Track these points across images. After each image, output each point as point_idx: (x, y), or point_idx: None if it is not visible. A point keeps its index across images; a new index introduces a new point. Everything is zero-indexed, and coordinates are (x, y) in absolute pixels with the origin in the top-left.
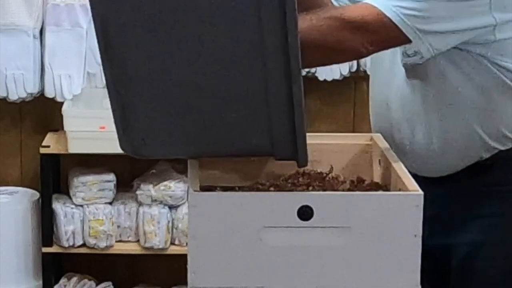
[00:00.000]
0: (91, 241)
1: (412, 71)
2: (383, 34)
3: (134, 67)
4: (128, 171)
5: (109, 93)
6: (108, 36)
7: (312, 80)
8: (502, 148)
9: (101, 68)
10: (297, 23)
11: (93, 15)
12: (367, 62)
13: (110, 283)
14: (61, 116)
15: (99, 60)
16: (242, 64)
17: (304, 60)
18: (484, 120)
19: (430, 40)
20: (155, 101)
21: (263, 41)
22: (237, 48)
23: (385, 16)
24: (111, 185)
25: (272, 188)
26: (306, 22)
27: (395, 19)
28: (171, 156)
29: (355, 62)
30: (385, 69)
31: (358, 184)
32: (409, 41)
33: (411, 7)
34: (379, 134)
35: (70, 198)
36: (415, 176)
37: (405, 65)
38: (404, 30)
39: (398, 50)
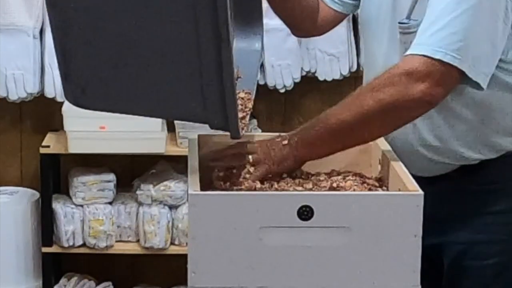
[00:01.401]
0: (91, 241)
1: None
2: (439, 75)
3: (73, 13)
4: (128, 171)
5: (53, 38)
6: None
7: (312, 80)
8: (498, 155)
9: None
10: None
11: None
12: None
13: (110, 283)
14: (61, 116)
15: None
16: (176, 23)
17: (377, 129)
18: (482, 126)
19: (482, 68)
20: (93, 52)
21: (194, 1)
22: (170, 6)
23: (433, 59)
24: (111, 185)
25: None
26: (368, 95)
27: (445, 58)
28: (109, 111)
29: (355, 62)
30: (379, 70)
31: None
32: (466, 75)
33: (454, 40)
34: None
35: (70, 198)
36: (413, 176)
37: None
38: (458, 66)
39: (392, 54)
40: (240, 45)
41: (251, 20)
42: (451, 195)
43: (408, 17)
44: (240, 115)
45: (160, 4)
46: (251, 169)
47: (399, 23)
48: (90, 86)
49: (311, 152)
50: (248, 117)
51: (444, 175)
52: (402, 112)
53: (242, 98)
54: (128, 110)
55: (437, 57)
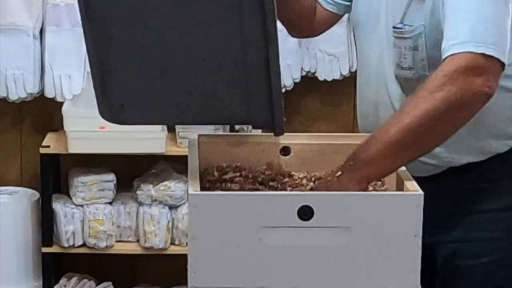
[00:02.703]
0: (91, 241)
1: (405, 81)
2: (489, 68)
3: (113, 28)
4: (128, 171)
5: (88, 56)
6: None
7: (312, 80)
8: (486, 157)
9: None
10: None
11: None
12: None
13: (110, 283)
14: (61, 116)
15: None
16: (219, 27)
17: (443, 130)
18: (473, 130)
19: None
20: (133, 65)
21: (239, 4)
22: (214, 10)
23: (478, 54)
24: (111, 185)
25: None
26: (428, 97)
27: (488, 52)
28: (150, 123)
29: (355, 62)
30: (372, 72)
31: None
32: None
33: (490, 34)
34: None
35: (70, 198)
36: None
37: (396, 76)
38: (500, 58)
39: (385, 55)
40: None
41: None
42: (443, 194)
43: (402, 21)
44: None
45: (202, 9)
46: (244, 173)
47: (394, 27)
48: (129, 101)
49: (373, 170)
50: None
51: (435, 175)
52: (467, 109)
53: None
54: (168, 120)
55: (480, 51)
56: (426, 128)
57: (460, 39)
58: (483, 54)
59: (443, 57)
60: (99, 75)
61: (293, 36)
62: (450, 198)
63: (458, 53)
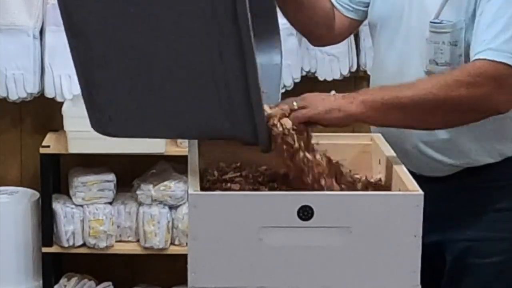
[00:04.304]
0: (91, 241)
1: None
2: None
3: (95, 43)
4: (128, 171)
5: (75, 69)
6: (71, 13)
7: (312, 80)
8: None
9: None
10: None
11: None
12: (367, 62)
13: (110, 283)
14: (61, 116)
15: None
16: (198, 43)
17: (447, 119)
18: (497, 133)
19: None
20: (117, 79)
21: (217, 23)
22: (192, 28)
23: (499, 63)
24: (111, 185)
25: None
26: (444, 85)
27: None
28: (139, 136)
29: (355, 62)
30: (392, 70)
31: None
32: None
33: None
34: (379, 134)
35: (70, 198)
36: (414, 174)
37: (428, 72)
38: None
39: (410, 53)
40: (259, 60)
41: (268, 34)
42: (455, 193)
43: (437, 17)
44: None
45: (181, 23)
46: (244, 173)
47: (431, 22)
48: (117, 113)
49: (367, 114)
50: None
51: (449, 174)
52: (479, 114)
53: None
54: (157, 134)
55: (502, 60)
56: (436, 108)
57: (496, 45)
58: (495, 62)
59: (476, 55)
60: (86, 88)
61: (314, 45)
62: (462, 196)
63: (493, 60)
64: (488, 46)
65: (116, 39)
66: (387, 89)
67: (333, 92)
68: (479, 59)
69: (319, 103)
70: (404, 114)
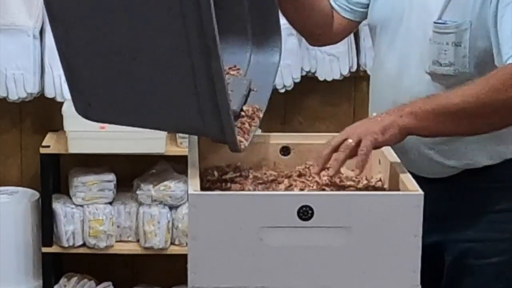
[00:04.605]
0: (91, 241)
1: (442, 78)
2: None
3: (72, 29)
4: (128, 171)
5: (58, 53)
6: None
7: (312, 80)
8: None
9: None
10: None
11: None
12: (367, 62)
13: (110, 283)
14: (61, 116)
15: None
16: (167, 38)
17: (487, 124)
18: (499, 135)
19: None
20: (95, 65)
21: (183, 14)
22: (159, 22)
23: None
24: (111, 185)
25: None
26: (477, 86)
27: None
28: (117, 123)
29: (355, 62)
30: (393, 71)
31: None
32: None
33: None
34: None
35: (70, 198)
36: (414, 175)
37: (431, 73)
38: None
39: (411, 54)
40: (257, 58)
41: (269, 33)
42: (456, 193)
43: (440, 17)
44: (245, 129)
45: (151, 16)
46: (244, 173)
47: (435, 22)
48: (95, 99)
49: (419, 125)
50: (253, 133)
51: (450, 175)
52: None
53: (248, 116)
54: (134, 123)
55: None
56: (484, 112)
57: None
58: None
59: (509, 60)
60: (67, 73)
61: (312, 45)
62: (463, 198)
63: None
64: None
65: (92, 26)
66: (434, 98)
67: (374, 114)
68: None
69: (370, 128)
70: (455, 122)
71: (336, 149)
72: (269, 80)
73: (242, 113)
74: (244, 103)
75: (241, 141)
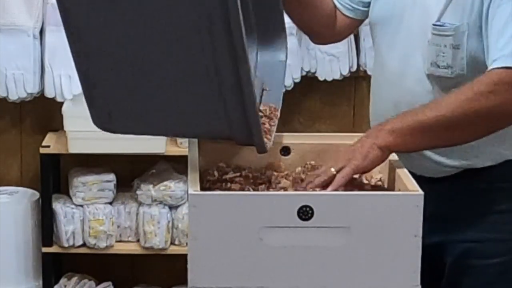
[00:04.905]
0: (91, 241)
1: (439, 80)
2: None
3: (91, 42)
4: (128, 171)
5: (75, 66)
6: (67, 10)
7: (312, 80)
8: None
9: None
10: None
11: None
12: (367, 62)
13: (110, 283)
14: (61, 116)
15: None
16: (191, 43)
17: (473, 132)
18: (499, 136)
19: None
20: (115, 77)
21: (209, 24)
22: (184, 30)
23: None
24: (111, 185)
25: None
26: (474, 98)
27: None
28: (137, 133)
29: (355, 62)
30: (394, 70)
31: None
32: None
33: None
34: None
35: (70, 198)
36: (415, 175)
37: (429, 74)
38: None
39: (411, 54)
40: (264, 57)
41: (273, 31)
42: (456, 194)
43: (439, 19)
44: (266, 130)
45: (175, 25)
46: (244, 173)
47: (434, 24)
48: (115, 110)
49: (397, 141)
50: (274, 132)
51: (450, 175)
52: (504, 121)
53: (267, 116)
54: (155, 132)
55: None
56: (460, 124)
57: (510, 51)
58: None
59: (492, 64)
60: (85, 85)
61: (315, 43)
62: (464, 198)
63: (508, 67)
64: (502, 53)
65: (110, 34)
66: (409, 114)
67: (354, 140)
68: (495, 68)
69: (351, 154)
70: (432, 136)
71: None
72: (279, 78)
73: (261, 114)
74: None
75: (265, 142)
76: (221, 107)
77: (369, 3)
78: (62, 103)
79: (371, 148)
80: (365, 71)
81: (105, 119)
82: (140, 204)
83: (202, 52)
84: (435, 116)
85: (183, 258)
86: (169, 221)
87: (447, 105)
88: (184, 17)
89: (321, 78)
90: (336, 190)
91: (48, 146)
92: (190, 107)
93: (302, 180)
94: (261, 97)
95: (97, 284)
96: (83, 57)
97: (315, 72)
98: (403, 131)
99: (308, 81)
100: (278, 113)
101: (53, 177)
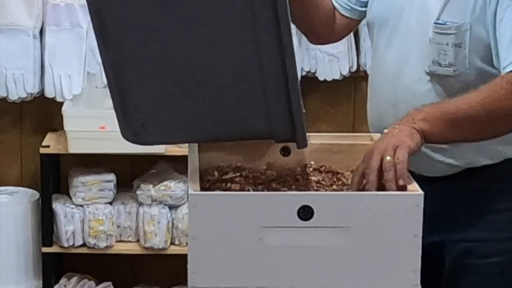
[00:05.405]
0: (91, 241)
1: (441, 79)
2: None
3: (129, 50)
4: (128, 171)
5: (107, 79)
6: (103, 19)
7: (312, 80)
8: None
9: (101, 68)
10: None
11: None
12: (367, 62)
13: (110, 283)
14: (61, 116)
15: (99, 60)
16: (233, 42)
17: (495, 129)
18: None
19: None
20: (151, 85)
21: (254, 17)
22: (228, 26)
23: None
24: (111, 185)
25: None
26: (482, 94)
27: None
28: (172, 142)
29: (355, 62)
30: (392, 70)
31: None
32: None
33: None
34: (379, 134)
35: (70, 198)
36: (414, 174)
37: (430, 73)
38: None
39: (411, 53)
40: None
41: None
42: (455, 193)
43: (439, 17)
44: None
45: (215, 25)
46: (244, 173)
47: (436, 23)
48: (150, 120)
49: (431, 130)
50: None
51: (449, 174)
52: None
53: None
54: (190, 139)
55: None
56: (489, 121)
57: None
58: None
59: (507, 68)
60: (118, 97)
61: (313, 43)
62: (463, 197)
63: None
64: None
65: (147, 44)
66: (442, 105)
67: (385, 130)
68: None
69: (398, 138)
70: (463, 128)
71: (378, 170)
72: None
73: None
74: None
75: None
76: (263, 105)
77: (367, 3)
78: (62, 103)
79: (412, 131)
80: (365, 71)
81: (139, 130)
82: (140, 204)
83: (244, 48)
84: (468, 108)
85: (183, 258)
86: (169, 221)
87: (479, 100)
88: (230, 14)
89: (321, 78)
90: (402, 175)
91: (48, 146)
92: (230, 109)
93: (297, 180)
94: None
95: (97, 284)
96: (117, 66)
97: (315, 72)
98: (437, 120)
99: (308, 81)
100: (304, 110)
101: (53, 177)
